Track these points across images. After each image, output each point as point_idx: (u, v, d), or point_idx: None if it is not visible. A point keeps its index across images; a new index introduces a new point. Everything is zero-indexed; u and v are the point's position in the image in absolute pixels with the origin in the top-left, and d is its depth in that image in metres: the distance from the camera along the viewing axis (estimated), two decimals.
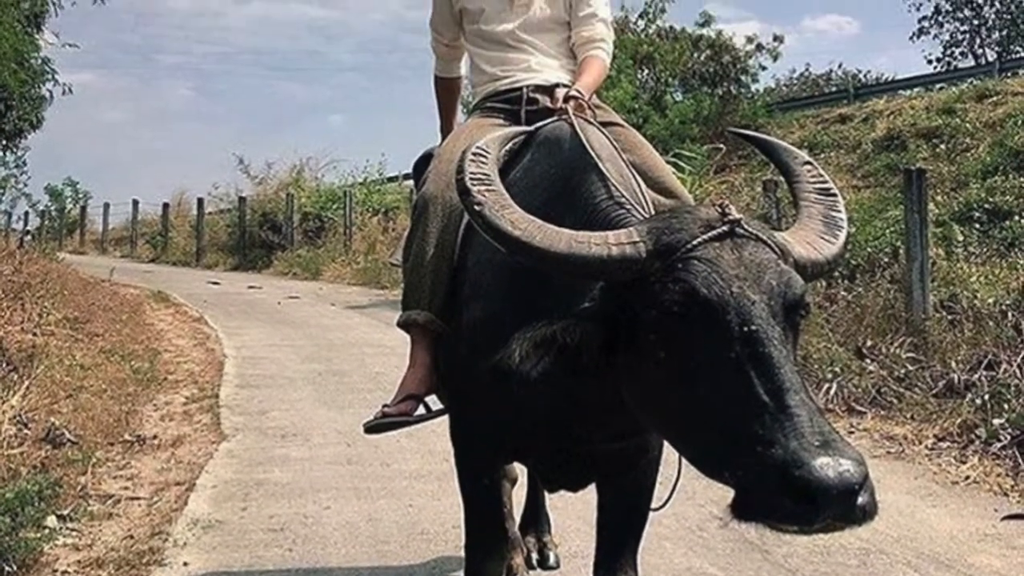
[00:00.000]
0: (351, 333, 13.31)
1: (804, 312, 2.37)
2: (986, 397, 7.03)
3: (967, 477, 6.26)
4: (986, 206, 12.73)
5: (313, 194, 27.21)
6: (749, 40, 22.90)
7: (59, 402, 7.41)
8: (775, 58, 22.98)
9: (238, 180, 30.69)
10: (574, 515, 5.07)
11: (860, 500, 1.99)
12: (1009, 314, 8.16)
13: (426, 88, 4.53)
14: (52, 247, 23.57)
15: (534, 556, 4.68)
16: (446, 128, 4.41)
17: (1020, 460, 6.31)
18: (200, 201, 30.77)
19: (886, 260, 10.08)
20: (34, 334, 9.29)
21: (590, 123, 3.31)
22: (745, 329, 2.19)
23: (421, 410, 3.58)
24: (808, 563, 4.81)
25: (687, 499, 5.20)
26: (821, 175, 2.85)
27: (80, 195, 44.21)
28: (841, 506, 1.97)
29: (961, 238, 11.31)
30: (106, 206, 39.14)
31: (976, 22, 36.77)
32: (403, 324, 3.57)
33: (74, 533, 5.26)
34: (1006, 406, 6.84)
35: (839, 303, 9.42)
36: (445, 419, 3.52)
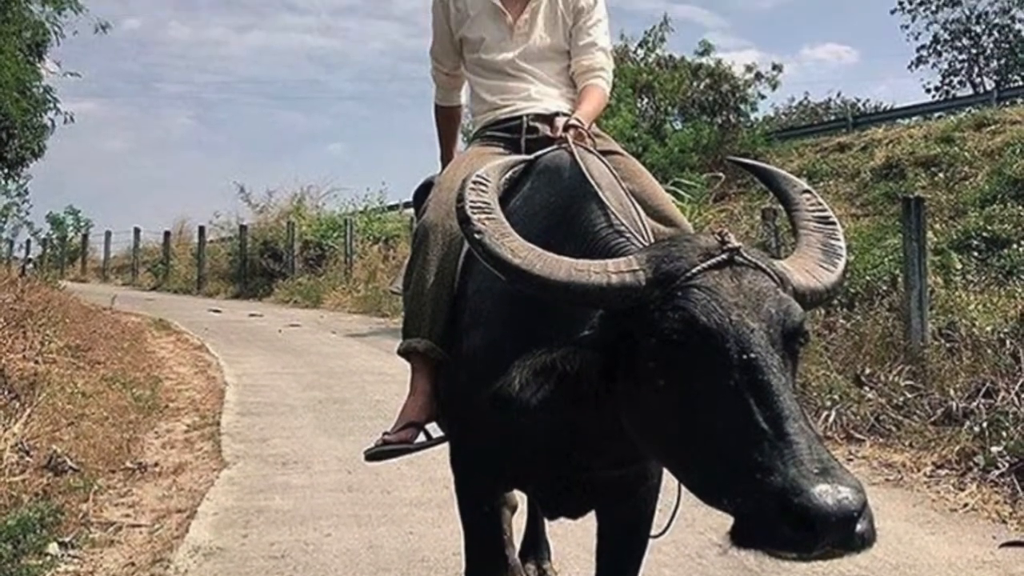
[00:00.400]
0: (352, 361, 13.31)
1: (803, 340, 2.36)
2: (984, 425, 7.04)
3: (965, 504, 6.25)
4: (984, 234, 12.78)
5: (314, 222, 27.29)
6: (748, 69, 23.14)
7: (61, 430, 7.41)
8: (774, 87, 23.23)
9: (239, 208, 30.91)
10: (574, 542, 5.06)
11: (859, 527, 1.98)
12: (1007, 342, 8.17)
13: (426, 117, 4.55)
14: (54, 275, 23.60)
15: None
16: (446, 157, 4.41)
17: (1018, 487, 6.31)
18: (201, 229, 30.91)
19: (885, 288, 10.10)
20: (36, 362, 9.31)
21: (590, 152, 3.33)
22: (744, 357, 2.18)
23: (421, 438, 3.57)
24: None
25: (686, 526, 5.19)
26: (820, 203, 2.85)
27: (82, 223, 44.33)
28: (840, 533, 1.96)
29: (959, 266, 11.34)
30: (108, 234, 39.34)
31: (974, 51, 36.93)
32: (403, 352, 3.56)
33: (75, 560, 5.25)
34: (1004, 434, 6.84)
35: (838, 331, 9.44)
36: (446, 447, 3.52)
